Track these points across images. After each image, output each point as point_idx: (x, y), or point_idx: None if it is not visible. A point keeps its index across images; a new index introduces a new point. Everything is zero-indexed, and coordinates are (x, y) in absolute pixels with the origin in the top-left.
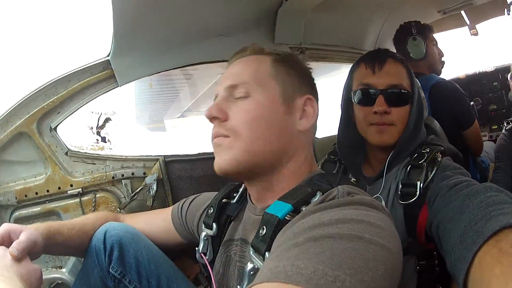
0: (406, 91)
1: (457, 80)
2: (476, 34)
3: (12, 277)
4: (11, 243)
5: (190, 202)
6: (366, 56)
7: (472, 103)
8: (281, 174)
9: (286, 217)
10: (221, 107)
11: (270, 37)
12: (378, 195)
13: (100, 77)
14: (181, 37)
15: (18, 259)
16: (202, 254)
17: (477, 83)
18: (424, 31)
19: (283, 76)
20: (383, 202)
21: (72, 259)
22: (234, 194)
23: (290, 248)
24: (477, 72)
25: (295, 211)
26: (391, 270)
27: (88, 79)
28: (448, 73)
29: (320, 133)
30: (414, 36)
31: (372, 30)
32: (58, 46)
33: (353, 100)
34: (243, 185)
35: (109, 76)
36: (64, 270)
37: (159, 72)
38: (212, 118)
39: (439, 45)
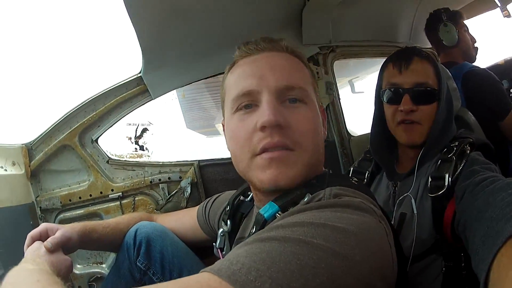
0: (432, 89)
1: (496, 66)
2: (508, 15)
3: (43, 263)
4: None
5: (214, 201)
6: (394, 55)
7: None
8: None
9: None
10: (281, 112)
11: (298, 38)
12: (408, 193)
13: (135, 92)
14: (208, 47)
15: (51, 251)
16: (218, 250)
17: None
18: (454, 17)
19: (314, 86)
20: (413, 200)
21: (112, 256)
22: (249, 192)
23: (241, 246)
24: None
25: (283, 212)
26: (344, 279)
27: (123, 94)
28: (485, 60)
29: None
30: (445, 22)
31: (404, 22)
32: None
33: (382, 99)
34: None
35: (143, 91)
36: (104, 265)
37: (190, 83)
38: (274, 126)
39: (470, 32)
